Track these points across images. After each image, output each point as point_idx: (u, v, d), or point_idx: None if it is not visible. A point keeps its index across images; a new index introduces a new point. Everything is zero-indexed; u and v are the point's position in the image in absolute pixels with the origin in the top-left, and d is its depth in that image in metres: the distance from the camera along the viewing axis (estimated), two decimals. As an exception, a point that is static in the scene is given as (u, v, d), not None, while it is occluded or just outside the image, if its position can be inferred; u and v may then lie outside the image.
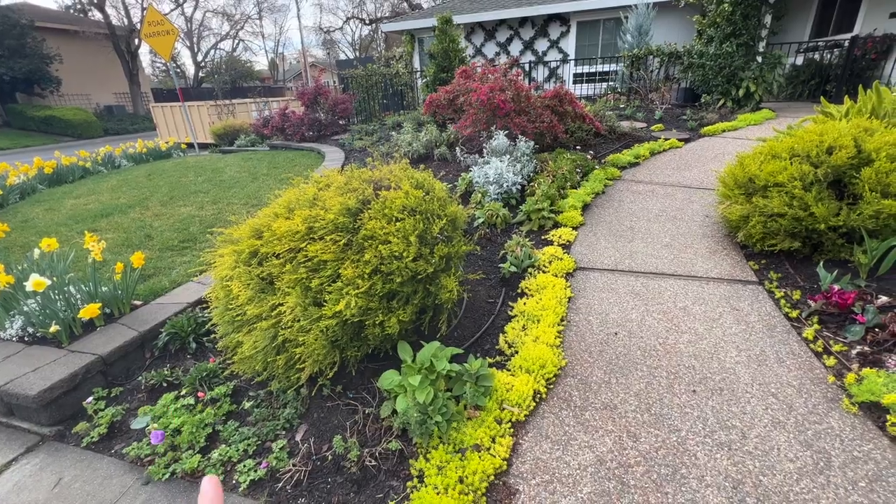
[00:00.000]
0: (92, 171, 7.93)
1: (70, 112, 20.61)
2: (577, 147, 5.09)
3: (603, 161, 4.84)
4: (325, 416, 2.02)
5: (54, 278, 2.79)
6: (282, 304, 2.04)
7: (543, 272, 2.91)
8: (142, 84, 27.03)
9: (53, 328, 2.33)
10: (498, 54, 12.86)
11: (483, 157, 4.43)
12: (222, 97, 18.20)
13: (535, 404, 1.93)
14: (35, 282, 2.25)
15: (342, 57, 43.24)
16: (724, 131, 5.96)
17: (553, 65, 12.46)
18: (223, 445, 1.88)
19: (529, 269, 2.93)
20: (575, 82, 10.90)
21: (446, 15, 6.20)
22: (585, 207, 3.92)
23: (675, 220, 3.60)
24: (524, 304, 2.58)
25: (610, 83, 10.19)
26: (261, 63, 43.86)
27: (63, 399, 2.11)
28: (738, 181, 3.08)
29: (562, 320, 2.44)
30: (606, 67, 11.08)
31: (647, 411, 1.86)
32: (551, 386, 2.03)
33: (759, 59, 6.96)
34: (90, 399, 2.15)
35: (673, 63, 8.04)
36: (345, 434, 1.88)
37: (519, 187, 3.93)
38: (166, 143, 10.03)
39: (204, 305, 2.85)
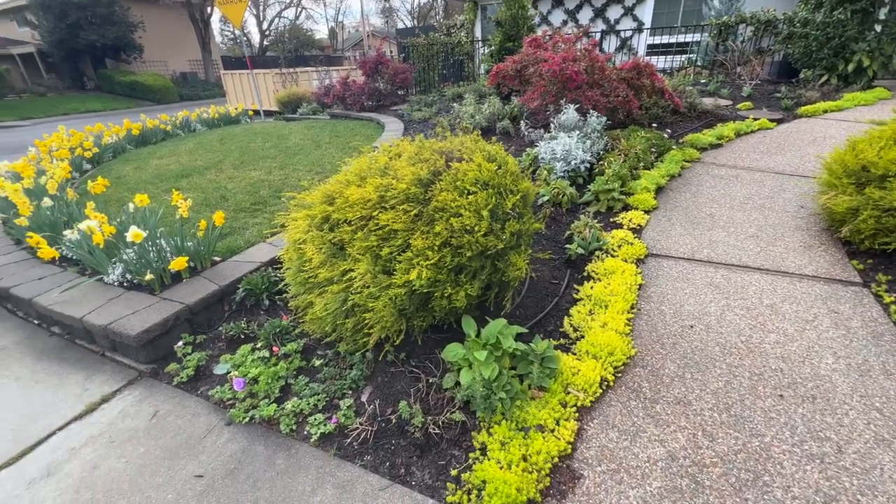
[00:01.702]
0: (171, 134, 8.52)
1: (151, 78, 22.14)
2: (653, 125, 4.73)
3: (680, 141, 4.47)
4: (389, 380, 2.08)
5: (147, 231, 3.04)
6: (352, 271, 2.09)
7: (612, 256, 2.77)
8: (213, 52, 28.34)
9: (148, 276, 2.55)
10: (565, 22, 12.10)
11: (550, 132, 4.23)
12: (286, 66, 18.73)
13: (601, 391, 1.87)
14: (134, 233, 2.46)
15: (400, 25, 42.74)
16: (825, 112, 5.27)
17: (625, 34, 11.54)
18: (295, 398, 1.99)
19: (597, 253, 2.80)
20: (649, 54, 10.06)
21: (517, -21, 5.87)
22: (659, 190, 3.66)
23: (764, 209, 3.27)
24: (591, 287, 2.48)
25: (689, 55, 9.31)
26: (321, 32, 44.43)
27: (157, 341, 2.32)
28: (847, 169, 2.73)
29: (632, 308, 2.32)
30: (686, 38, 10.10)
31: (726, 411, 1.74)
32: (619, 374, 1.96)
33: (878, 28, 6.01)
34: (180, 343, 2.35)
35: (768, 33, 7.16)
36: (409, 400, 1.93)
37: (587, 165, 3.73)
38: (235, 109, 10.51)
39: (276, 266, 3.00)
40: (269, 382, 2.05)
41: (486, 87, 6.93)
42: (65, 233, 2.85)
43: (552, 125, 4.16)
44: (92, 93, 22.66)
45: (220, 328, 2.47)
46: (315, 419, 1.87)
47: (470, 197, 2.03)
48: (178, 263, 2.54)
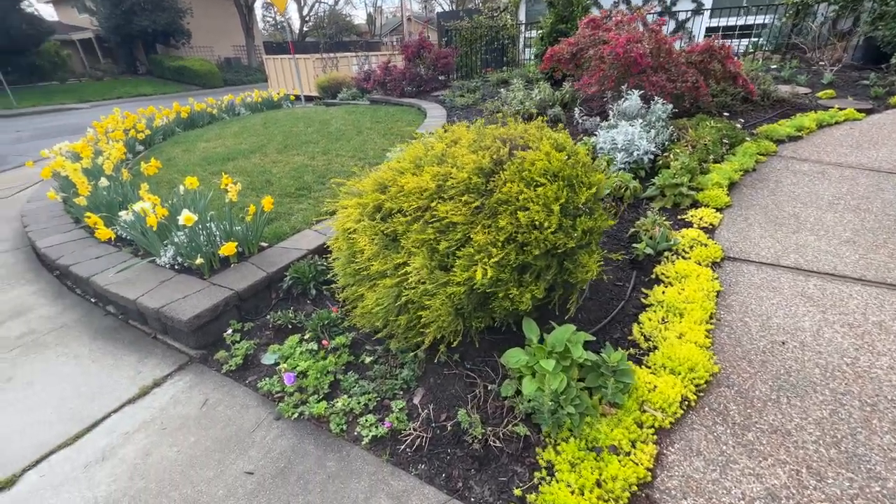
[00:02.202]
0: (217, 118, 8.69)
1: (197, 63, 22.83)
2: (723, 113, 4.32)
3: (754, 132, 4.07)
4: (442, 383, 1.96)
5: (198, 214, 3.03)
6: (406, 264, 1.96)
7: (683, 258, 2.52)
8: (255, 37, 28.90)
9: (199, 261, 2.53)
10: (616, 4, 11.43)
11: (608, 119, 3.94)
12: (325, 51, 18.80)
13: (682, 412, 1.67)
14: (186, 217, 2.43)
15: (438, 10, 42.07)
16: (923, 102, 4.67)
17: (682, 16, 10.77)
18: (344, 396, 1.91)
19: (666, 253, 2.55)
20: (707, 37, 9.32)
21: (574, -45, 5.49)
22: (732, 186, 3.33)
23: (859, 210, 2.90)
24: (662, 292, 2.25)
25: (754, 39, 8.57)
26: (359, 17, 44.42)
27: (207, 326, 2.30)
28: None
29: (711, 318, 2.09)
30: (750, 20, 9.29)
31: (835, 447, 1.51)
32: (701, 394, 1.74)
33: None
34: (229, 331, 2.32)
35: (852, 13, 6.43)
36: (465, 407, 1.80)
37: (651, 157, 3.43)
38: (277, 93, 10.62)
39: (322, 254, 2.93)
40: (318, 377, 1.97)
41: (534, 73, 6.62)
42: (120, 214, 2.88)
43: (611, 112, 3.87)
44: (143, 77, 23.66)
45: (268, 316, 2.42)
46: (366, 420, 1.77)
47: (538, 189, 1.85)
48: (228, 249, 2.50)
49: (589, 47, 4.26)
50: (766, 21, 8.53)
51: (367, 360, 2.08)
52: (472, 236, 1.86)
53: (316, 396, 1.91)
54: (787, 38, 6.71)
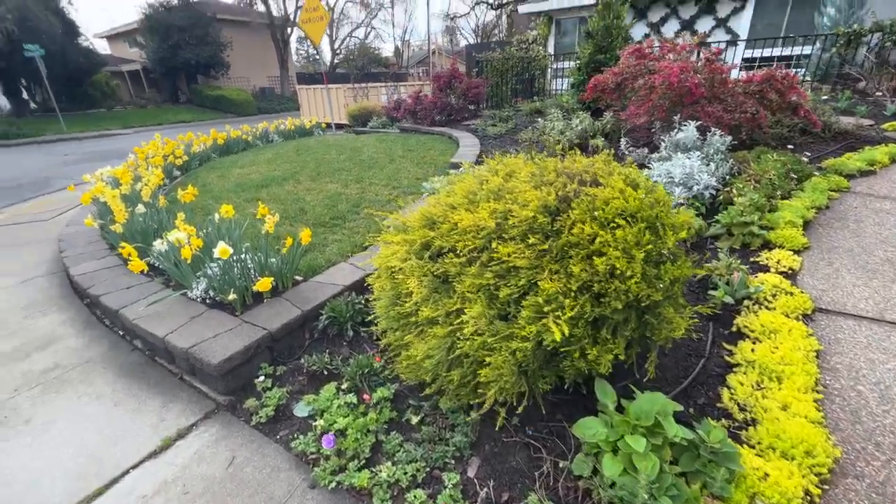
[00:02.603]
0: (251, 144, 8.88)
1: (234, 92, 23.95)
2: (788, 146, 4.04)
3: (821, 166, 3.76)
4: (500, 452, 1.70)
5: (232, 244, 2.92)
6: (461, 312, 1.75)
7: (767, 308, 2.22)
8: (289, 69, 30.29)
9: (231, 296, 2.38)
10: (647, 35, 11.39)
11: (658, 151, 3.72)
12: (354, 81, 19.44)
13: (805, 511, 1.35)
14: (221, 249, 2.30)
15: (464, 42, 43.43)
16: None
17: (716, 47, 10.62)
18: (388, 463, 1.66)
19: (746, 302, 2.26)
20: (744, 69, 9.10)
21: (614, -13, 5.44)
22: (806, 225, 3.02)
23: (966, 257, 2.55)
24: (751, 350, 1.96)
25: (795, 69, 8.30)
26: (387, 50, 46.24)
27: (237, 370, 2.11)
28: None
29: (815, 384, 1.77)
30: (790, 51, 9.05)
31: None
32: (825, 486, 1.43)
33: None
34: (261, 377, 2.12)
35: (908, 43, 6.12)
36: (533, 487, 1.52)
37: (712, 192, 3.17)
38: (309, 121, 10.86)
39: (360, 291, 2.75)
40: (359, 438, 1.74)
41: (569, 102, 6.51)
42: (154, 244, 2.79)
43: (662, 144, 3.65)
44: (184, 105, 24.92)
45: (302, 360, 2.22)
46: (414, 497, 1.52)
47: (617, 232, 1.62)
48: (263, 285, 2.35)
49: (636, 77, 4.09)
50: (808, 52, 8.28)
51: (414, 419, 1.84)
52: (539, 283, 1.64)
53: (356, 462, 1.67)
54: (837, 68, 6.42)
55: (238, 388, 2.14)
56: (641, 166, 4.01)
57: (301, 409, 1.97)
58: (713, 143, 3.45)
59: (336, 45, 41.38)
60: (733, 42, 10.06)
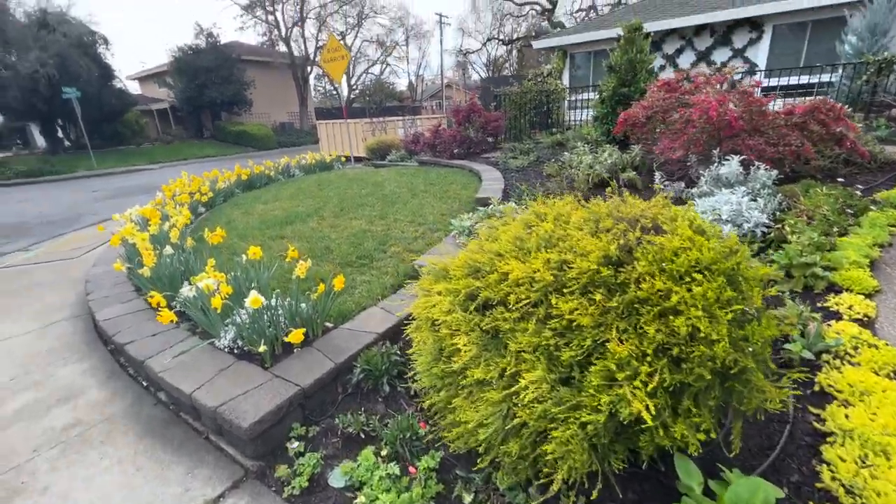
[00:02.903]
0: (273, 179, 9.03)
1: (255, 128, 24.84)
2: (838, 178, 3.85)
3: (874, 199, 3.55)
4: (568, 540, 1.48)
5: (257, 285, 2.82)
6: (517, 373, 1.58)
7: (850, 363, 1.99)
8: (308, 105, 31.44)
9: (262, 348, 2.25)
10: (662, 67, 11.48)
11: (697, 186, 3.57)
12: (371, 115, 20.02)
13: None
14: (253, 299, 2.19)
15: (475, 76, 44.71)
16: None
17: (753, 79, 10.59)
18: (441, 551, 1.46)
19: (824, 356, 2.04)
20: (765, 97, 9.01)
21: (635, 23, 5.46)
22: (872, 265, 2.79)
23: None
24: (845, 416, 1.73)
25: (816, 98, 8.17)
26: (401, 84, 47.80)
27: (268, 432, 1.96)
28: None
29: (932, 461, 1.53)
30: (810, 79, 8.96)
31: None
32: None
33: None
34: (294, 443, 1.96)
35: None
36: (615, 592, 1.30)
37: (763, 230, 2.99)
38: (329, 155, 11.07)
39: (394, 339, 2.60)
40: (405, 519, 1.55)
41: (593, 135, 6.46)
42: (181, 291, 2.71)
43: (703, 178, 3.50)
44: (207, 140, 25.89)
45: (336, 420, 2.06)
46: None
47: (695, 288, 1.46)
48: (296, 336, 2.22)
49: (668, 110, 4.01)
50: (828, 79, 8.17)
51: (466, 497, 1.64)
52: (605, 344, 1.47)
53: (403, 550, 1.47)
54: (870, 95, 6.27)
55: (268, 452, 1.98)
56: (679, 201, 3.86)
57: (337, 479, 1.79)
58: (758, 178, 3.29)
59: (353, 81, 43.03)
60: (752, 72, 10.04)
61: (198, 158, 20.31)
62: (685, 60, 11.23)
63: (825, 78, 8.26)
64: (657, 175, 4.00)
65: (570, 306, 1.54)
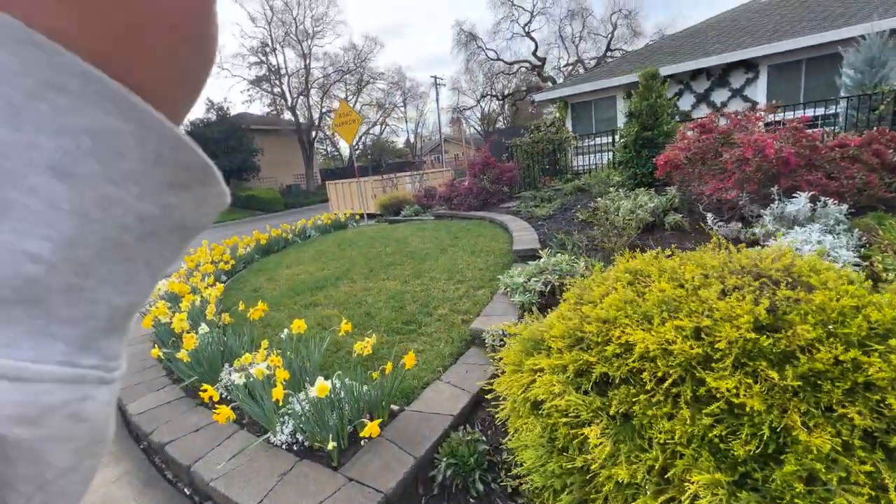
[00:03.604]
0: (290, 242, 8.95)
1: (263, 192, 25.46)
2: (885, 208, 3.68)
3: (951, 228, 3.34)
4: None
5: (310, 366, 2.55)
6: (666, 469, 1.29)
7: None
8: (313, 166, 32.52)
9: (331, 445, 1.94)
10: (672, 115, 11.79)
11: (758, 225, 3.39)
12: (372, 173, 20.54)
13: None
14: (320, 387, 1.92)
15: (470, 131, 46.59)
16: None
17: (802, 115, 10.82)
18: None
19: None
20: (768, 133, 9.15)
21: (652, 70, 5.61)
22: None
23: None
24: None
25: (824, 128, 8.28)
26: (399, 141, 49.81)
27: (351, 558, 1.61)
28: None
29: None
30: (810, 112, 9.14)
31: None
32: None
33: None
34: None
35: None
36: None
37: (853, 269, 2.75)
38: (344, 214, 11.11)
39: (471, 420, 2.29)
40: None
41: (614, 179, 6.42)
42: (222, 375, 2.44)
43: (765, 217, 3.33)
44: (216, 207, 26.40)
45: (429, 534, 1.71)
46: None
47: (892, 357, 1.21)
48: (371, 429, 1.92)
49: (706, 150, 3.93)
50: (837, 111, 8.33)
51: None
52: (798, 435, 1.19)
53: None
54: (889, 125, 6.29)
55: (351, 584, 1.62)
56: (737, 241, 3.67)
57: None
58: (829, 213, 3.11)
59: (355, 142, 44.85)
60: (752, 109, 10.28)
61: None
62: (685, 103, 11.58)
63: (830, 110, 8.43)
64: (709, 216, 3.84)
65: (729, 385, 1.29)
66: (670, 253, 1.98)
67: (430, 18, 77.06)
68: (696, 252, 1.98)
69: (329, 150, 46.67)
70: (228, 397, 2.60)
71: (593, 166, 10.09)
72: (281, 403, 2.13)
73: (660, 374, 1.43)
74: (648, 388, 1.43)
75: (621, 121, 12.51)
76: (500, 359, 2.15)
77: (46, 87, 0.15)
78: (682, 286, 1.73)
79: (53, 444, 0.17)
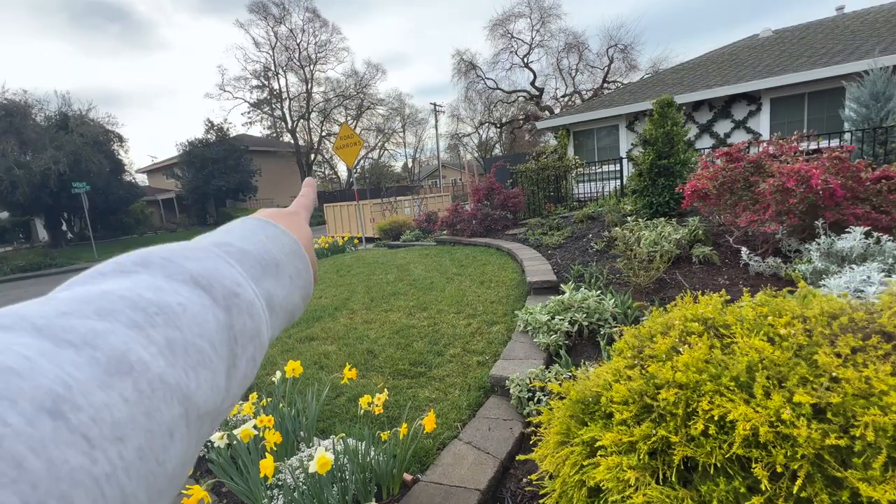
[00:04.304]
0: (285, 266, 8.57)
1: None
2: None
3: None
4: None
5: (307, 422, 2.16)
6: None
7: None
8: (311, 188, 32.38)
9: (332, 536, 1.54)
10: (689, 143, 11.78)
11: (805, 262, 3.10)
12: (369, 197, 20.33)
13: None
14: (321, 461, 1.53)
15: (467, 156, 47.06)
16: None
17: (719, 150, 10.84)
18: None
19: None
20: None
21: (667, 97, 5.47)
22: None
23: None
24: None
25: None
26: (398, 167, 50.21)
27: None
28: None
29: None
30: (814, 145, 9.11)
31: None
32: None
33: None
34: None
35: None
36: None
37: (926, 315, 2.43)
38: (342, 238, 10.78)
39: (499, 494, 1.89)
40: None
41: (626, 208, 6.18)
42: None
43: (813, 254, 3.04)
44: (211, 227, 26.02)
45: None
46: None
47: None
48: (385, 518, 1.52)
49: (735, 180, 3.69)
50: (840, 143, 8.27)
51: None
52: None
53: None
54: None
55: None
56: (776, 278, 3.37)
57: None
58: (886, 250, 2.83)
59: (354, 166, 45.01)
60: (754, 141, 10.27)
61: (201, 245, 20.11)
62: (689, 134, 11.56)
63: (834, 142, 8.38)
64: (743, 250, 3.55)
65: (891, 495, 0.93)
66: (726, 297, 1.65)
67: (431, 49, 79.39)
68: (775, 298, 1.66)
69: (327, 172, 46.85)
70: (206, 456, 2.18)
71: (594, 194, 9.94)
72: (271, 477, 1.72)
73: (778, 469, 1.08)
74: (764, 486, 1.08)
75: (623, 149, 12.51)
76: (539, 425, 1.80)
77: (299, 262, 0.38)
78: (770, 341, 1.40)
79: None
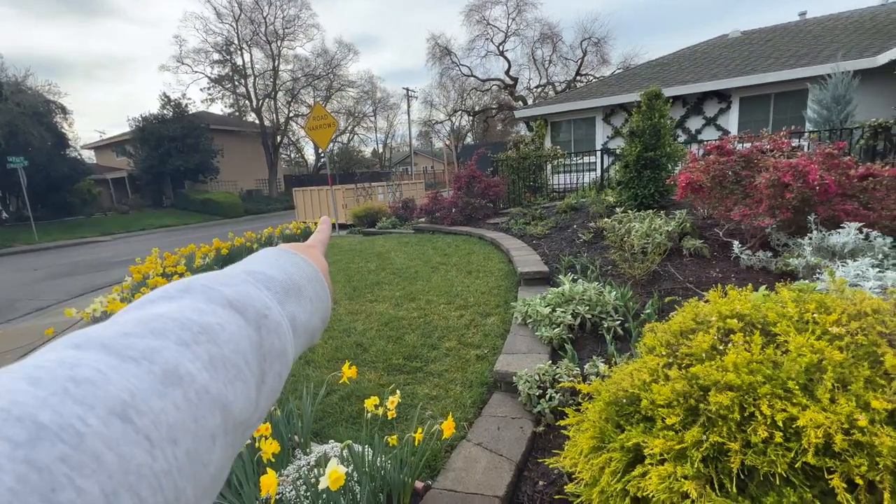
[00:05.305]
0: (254, 251, 8.09)
1: (222, 196, 23.85)
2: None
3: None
4: None
5: (300, 425, 1.95)
6: None
7: None
8: (277, 172, 31.04)
9: (346, 560, 1.36)
10: (675, 136, 12.00)
11: (798, 256, 3.15)
12: (337, 182, 19.70)
13: None
14: (333, 476, 1.35)
15: (438, 144, 46.60)
16: None
17: (708, 143, 11.20)
18: None
19: None
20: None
21: (653, 90, 5.45)
22: None
23: None
24: None
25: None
26: (367, 151, 48.93)
27: None
28: None
29: None
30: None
31: None
32: None
33: None
34: None
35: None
36: None
37: (917, 309, 2.51)
38: (314, 223, 10.32)
39: (517, 498, 1.77)
40: None
41: (610, 199, 6.20)
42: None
43: (804, 248, 3.09)
44: (167, 209, 24.45)
45: None
46: None
47: None
48: (408, 538, 1.35)
49: (725, 173, 3.71)
50: (801, 143, 8.69)
51: None
52: None
53: None
54: (870, 156, 6.52)
55: None
56: (766, 271, 3.42)
57: None
58: (876, 246, 2.91)
59: (320, 149, 43.51)
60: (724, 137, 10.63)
61: (156, 228, 18.84)
62: (662, 128, 11.82)
63: (794, 142, 8.78)
64: (735, 244, 3.58)
65: None
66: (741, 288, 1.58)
67: (405, 33, 77.47)
68: (815, 293, 1.60)
69: (293, 155, 44.96)
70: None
71: (571, 185, 9.98)
72: (274, 495, 1.51)
73: (857, 480, 1.00)
74: (842, 499, 0.99)
75: (599, 141, 12.65)
76: (554, 427, 1.68)
77: (319, 288, 0.39)
78: (817, 338, 1.33)
79: None
